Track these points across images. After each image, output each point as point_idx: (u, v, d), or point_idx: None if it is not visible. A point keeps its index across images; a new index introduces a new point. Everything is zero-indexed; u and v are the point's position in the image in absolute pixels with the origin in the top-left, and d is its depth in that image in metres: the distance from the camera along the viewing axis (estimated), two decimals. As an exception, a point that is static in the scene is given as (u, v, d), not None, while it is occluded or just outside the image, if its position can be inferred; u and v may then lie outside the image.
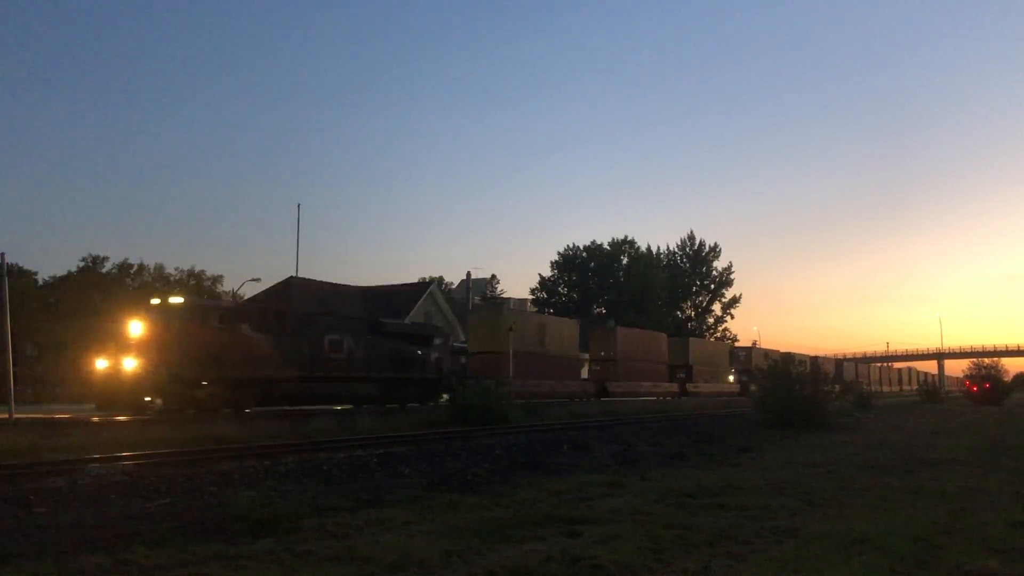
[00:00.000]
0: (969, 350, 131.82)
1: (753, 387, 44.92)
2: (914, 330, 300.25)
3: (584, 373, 46.19)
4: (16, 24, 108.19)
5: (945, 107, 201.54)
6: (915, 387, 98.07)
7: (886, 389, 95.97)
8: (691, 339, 59.61)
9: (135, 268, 62.34)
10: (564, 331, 41.20)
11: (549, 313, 68.83)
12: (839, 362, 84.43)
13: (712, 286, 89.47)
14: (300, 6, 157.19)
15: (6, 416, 17.77)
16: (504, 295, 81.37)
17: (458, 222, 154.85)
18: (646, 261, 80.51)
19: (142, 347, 19.16)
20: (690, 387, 52.02)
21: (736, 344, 79.28)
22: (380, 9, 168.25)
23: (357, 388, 25.57)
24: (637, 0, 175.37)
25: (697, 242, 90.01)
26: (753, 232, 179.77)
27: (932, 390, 64.33)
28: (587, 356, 47.17)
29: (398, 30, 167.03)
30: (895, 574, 6.37)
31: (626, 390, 43.69)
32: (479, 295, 72.62)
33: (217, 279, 62.58)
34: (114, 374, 19.19)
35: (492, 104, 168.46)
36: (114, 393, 19.24)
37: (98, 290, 48.88)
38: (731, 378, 61.33)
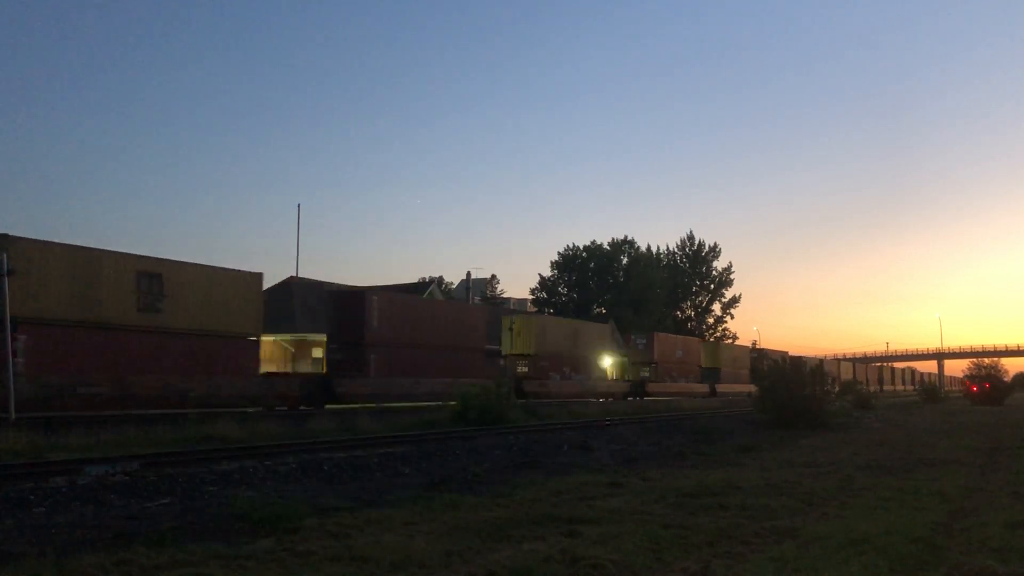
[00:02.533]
0: (969, 350, 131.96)
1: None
2: (914, 330, 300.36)
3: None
4: (17, 24, 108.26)
5: (945, 107, 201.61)
6: (915, 387, 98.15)
7: (886, 389, 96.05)
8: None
9: (135, 268, 62.18)
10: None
11: (549, 313, 68.89)
12: (839, 362, 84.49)
13: (712, 286, 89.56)
14: (300, 6, 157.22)
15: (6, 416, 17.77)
16: (504, 295, 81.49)
17: (458, 222, 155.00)
18: (646, 261, 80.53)
19: None
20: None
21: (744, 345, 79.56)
22: (380, 9, 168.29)
23: None
24: (637, 0, 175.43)
25: (697, 242, 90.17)
26: (753, 232, 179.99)
27: (932, 390, 64.30)
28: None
29: (398, 30, 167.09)
30: (895, 574, 6.37)
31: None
32: (479, 295, 72.65)
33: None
34: None
35: (492, 104, 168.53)
36: None
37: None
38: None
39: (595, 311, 74.79)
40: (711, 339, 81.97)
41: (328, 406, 26.93)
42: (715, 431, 23.28)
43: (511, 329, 41.35)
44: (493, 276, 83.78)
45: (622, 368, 51.59)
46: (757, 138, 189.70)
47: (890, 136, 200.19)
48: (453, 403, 26.03)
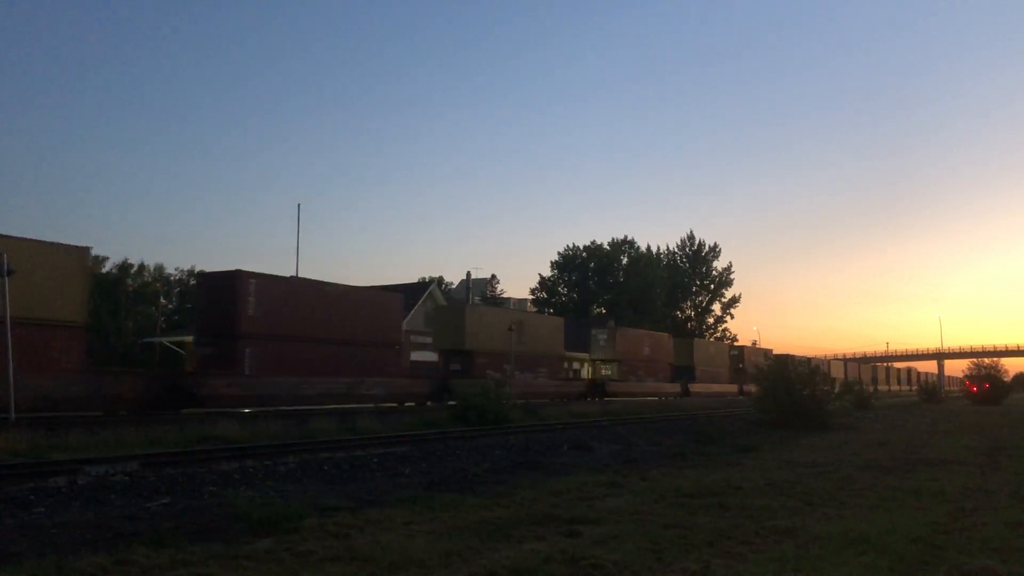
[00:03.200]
0: (969, 350, 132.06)
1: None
2: (914, 330, 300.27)
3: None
4: (17, 24, 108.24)
5: (945, 107, 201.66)
6: (915, 387, 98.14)
7: (886, 389, 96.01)
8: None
9: (135, 268, 62.41)
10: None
11: (549, 313, 68.85)
12: (838, 362, 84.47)
13: (712, 286, 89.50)
14: (301, 6, 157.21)
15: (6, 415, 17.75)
16: (504, 295, 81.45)
17: (458, 222, 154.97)
18: (646, 261, 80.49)
19: None
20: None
21: (735, 344, 79.56)
22: (381, 9, 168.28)
23: None
24: (637, 1, 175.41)
25: (697, 242, 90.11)
26: (753, 232, 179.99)
27: (932, 390, 64.29)
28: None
29: (398, 30, 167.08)
30: (895, 574, 6.37)
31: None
32: (479, 295, 72.64)
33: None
34: None
35: (492, 104, 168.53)
36: None
37: (99, 290, 48.87)
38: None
39: (595, 311, 74.79)
40: (711, 337, 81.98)
41: (189, 410, 22.48)
42: (715, 431, 23.28)
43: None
44: (493, 276, 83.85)
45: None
46: (757, 138, 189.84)
47: (890, 136, 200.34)
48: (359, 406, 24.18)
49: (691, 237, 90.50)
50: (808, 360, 60.50)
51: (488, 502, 9.80)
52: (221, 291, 25.86)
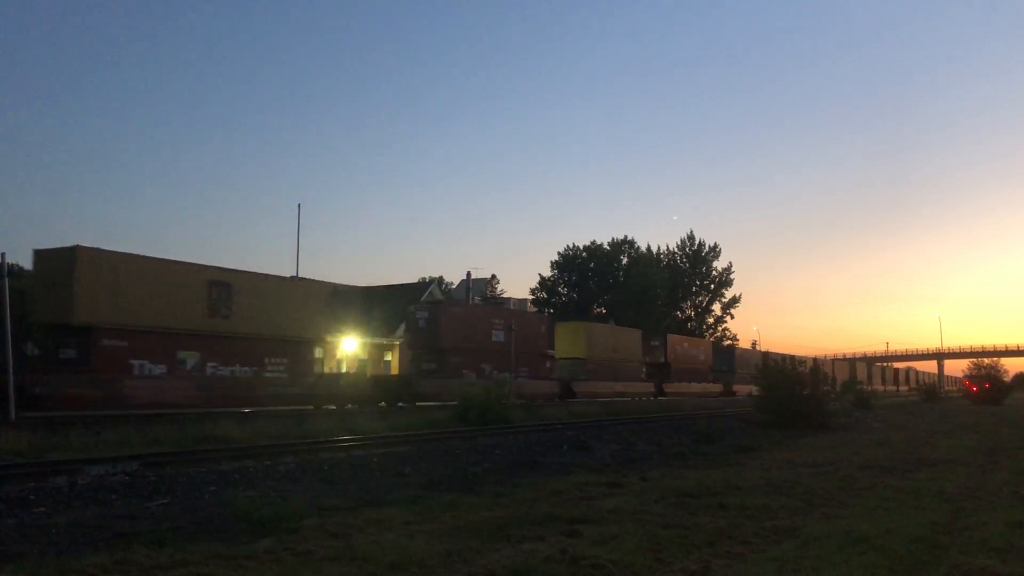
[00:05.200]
0: (969, 350, 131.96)
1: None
2: (914, 330, 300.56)
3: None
4: (17, 24, 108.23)
5: (946, 107, 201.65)
6: (915, 387, 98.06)
7: (886, 389, 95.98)
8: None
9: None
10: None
11: (549, 313, 68.80)
12: (839, 362, 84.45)
13: (712, 286, 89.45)
14: (301, 6, 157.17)
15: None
16: (504, 295, 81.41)
17: (458, 222, 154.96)
18: (646, 261, 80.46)
19: None
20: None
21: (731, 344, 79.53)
22: (381, 9, 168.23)
23: None
24: (637, 1, 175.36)
25: (697, 242, 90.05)
26: (753, 232, 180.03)
27: (932, 390, 64.28)
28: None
29: (398, 30, 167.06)
30: (895, 574, 6.37)
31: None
32: (479, 295, 72.61)
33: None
34: None
35: (492, 104, 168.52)
36: None
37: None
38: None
39: (595, 311, 74.75)
40: (711, 337, 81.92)
41: (29, 414, 18.97)
42: (715, 431, 23.28)
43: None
44: (493, 276, 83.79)
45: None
46: (757, 138, 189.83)
47: (890, 136, 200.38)
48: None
49: (691, 237, 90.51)
50: (789, 357, 58.88)
51: (488, 502, 9.79)
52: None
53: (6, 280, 18.58)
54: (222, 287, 24.56)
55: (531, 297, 79.19)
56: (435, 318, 33.86)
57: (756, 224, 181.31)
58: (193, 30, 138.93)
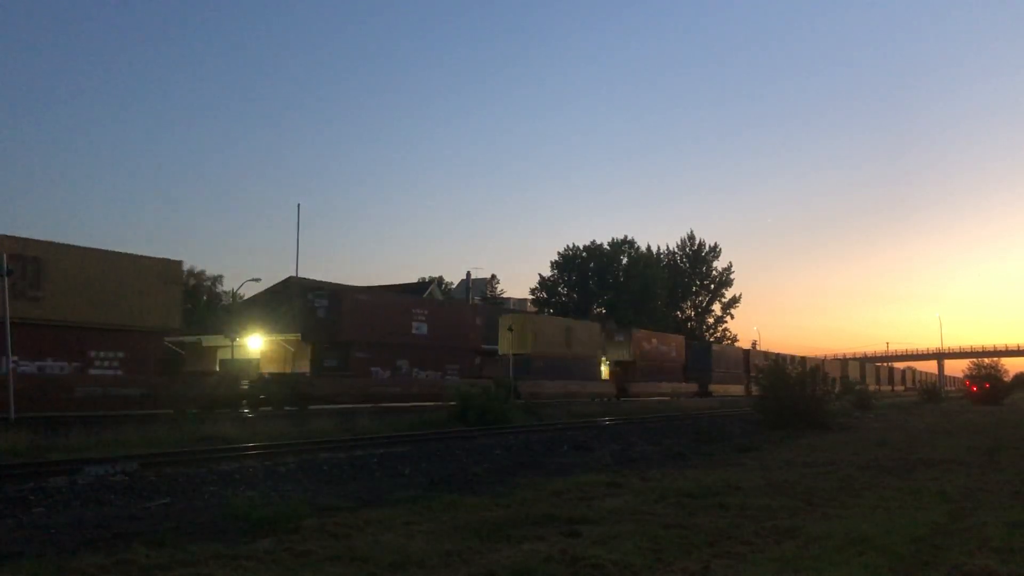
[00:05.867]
0: (969, 350, 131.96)
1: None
2: (914, 330, 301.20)
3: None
4: (20, 24, 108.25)
5: (946, 107, 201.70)
6: (915, 387, 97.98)
7: (886, 389, 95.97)
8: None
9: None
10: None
11: (548, 313, 68.80)
12: (839, 362, 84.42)
13: (712, 286, 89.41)
14: (301, 7, 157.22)
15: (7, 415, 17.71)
16: (504, 295, 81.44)
17: (458, 222, 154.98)
18: (646, 261, 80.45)
19: None
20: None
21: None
22: (380, 10, 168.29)
23: None
24: (637, 2, 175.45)
25: (697, 242, 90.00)
26: (753, 232, 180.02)
27: (932, 390, 64.26)
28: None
29: (398, 30, 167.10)
30: (895, 574, 6.37)
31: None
32: (479, 295, 72.63)
33: (217, 279, 62.51)
34: None
35: (492, 104, 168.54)
36: None
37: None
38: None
39: (595, 311, 74.74)
40: (711, 337, 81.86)
41: None
42: (715, 431, 23.27)
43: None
44: (493, 276, 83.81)
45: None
46: (758, 138, 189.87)
47: (890, 136, 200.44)
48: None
49: (691, 237, 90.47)
50: (787, 357, 57.57)
51: (488, 502, 9.79)
52: None
53: (6, 280, 18.56)
54: (29, 263, 19.85)
55: (531, 297, 79.23)
56: (336, 306, 28.98)
57: (756, 224, 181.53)
58: (193, 31, 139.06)
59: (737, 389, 60.61)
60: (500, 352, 38.08)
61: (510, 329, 37.79)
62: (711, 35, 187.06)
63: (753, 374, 59.56)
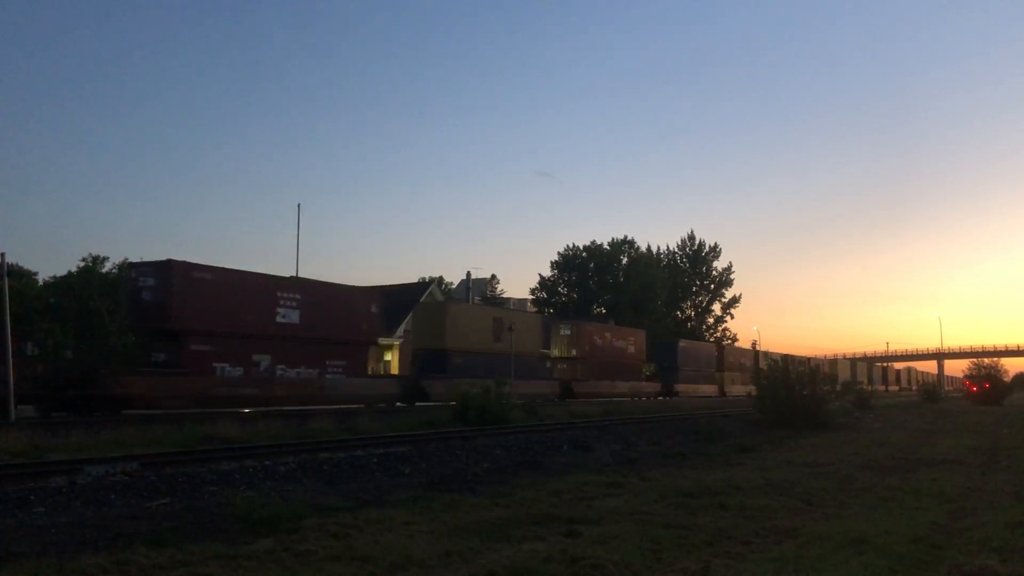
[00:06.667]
0: (969, 350, 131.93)
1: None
2: (914, 330, 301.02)
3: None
4: (18, 24, 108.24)
5: (946, 107, 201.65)
6: (915, 387, 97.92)
7: (886, 389, 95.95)
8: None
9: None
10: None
11: (549, 313, 68.71)
12: (838, 362, 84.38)
13: (712, 286, 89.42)
14: (301, 7, 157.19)
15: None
16: (504, 295, 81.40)
17: (458, 222, 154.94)
18: (646, 261, 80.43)
19: None
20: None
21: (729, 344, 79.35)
22: (380, 10, 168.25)
23: None
24: (637, 2, 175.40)
25: (697, 242, 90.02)
26: (753, 232, 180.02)
27: (932, 390, 64.21)
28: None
29: (399, 31, 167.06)
30: (895, 574, 6.37)
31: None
32: (479, 295, 72.59)
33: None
34: None
35: (493, 104, 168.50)
36: None
37: (100, 289, 48.71)
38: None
39: (595, 311, 74.72)
40: (711, 338, 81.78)
41: None
42: (715, 431, 23.27)
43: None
44: (493, 276, 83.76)
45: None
46: (758, 138, 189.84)
47: (890, 137, 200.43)
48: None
49: (691, 237, 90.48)
50: (676, 344, 53.48)
51: (488, 502, 9.79)
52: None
53: (6, 280, 18.55)
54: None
55: (531, 297, 79.24)
56: (166, 285, 23.03)
57: (756, 224, 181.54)
58: (194, 31, 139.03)
59: (709, 389, 57.19)
60: (415, 347, 33.84)
61: (427, 320, 33.58)
62: (711, 35, 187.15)
63: (724, 371, 59.56)
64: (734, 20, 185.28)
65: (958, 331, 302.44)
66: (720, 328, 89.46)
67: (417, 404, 30.15)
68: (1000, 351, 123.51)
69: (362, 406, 27.20)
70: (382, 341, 40.59)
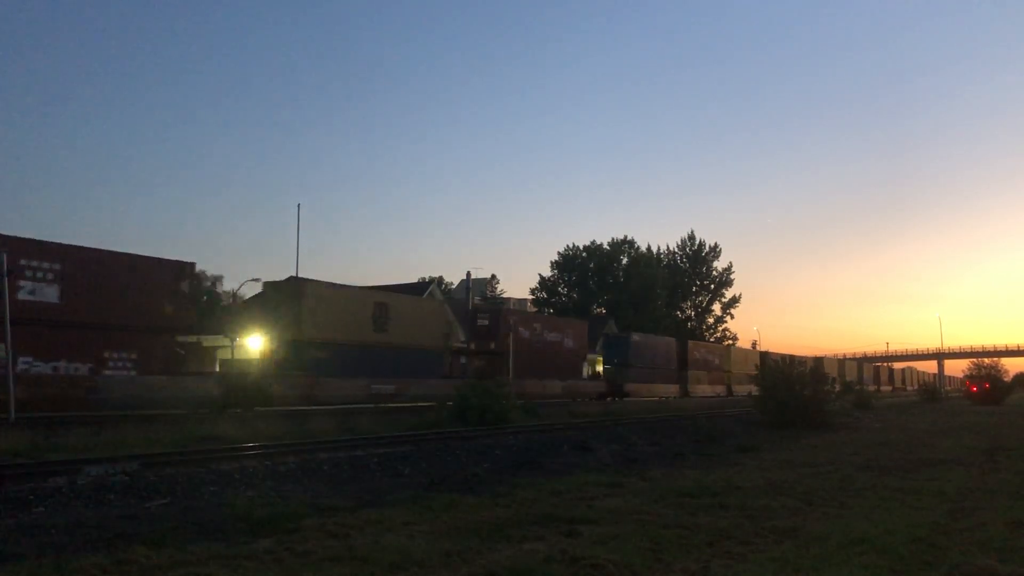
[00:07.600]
0: (969, 350, 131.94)
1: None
2: (914, 330, 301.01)
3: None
4: (18, 25, 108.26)
5: (946, 107, 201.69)
6: (915, 387, 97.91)
7: (886, 389, 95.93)
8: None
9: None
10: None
11: (548, 313, 68.71)
12: (838, 362, 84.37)
13: (712, 286, 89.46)
14: (301, 7, 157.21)
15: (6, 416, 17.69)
16: (504, 295, 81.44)
17: (458, 222, 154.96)
18: (646, 261, 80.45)
19: None
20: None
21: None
22: (381, 10, 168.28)
23: None
24: (637, 1, 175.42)
25: (697, 242, 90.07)
26: (753, 232, 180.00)
27: (932, 390, 64.21)
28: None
29: (399, 31, 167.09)
30: (895, 574, 6.37)
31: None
32: (479, 295, 72.58)
33: (217, 279, 62.45)
34: None
35: (492, 104, 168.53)
36: None
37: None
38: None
39: (595, 311, 74.73)
40: (711, 338, 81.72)
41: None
42: (715, 431, 23.27)
43: None
44: (493, 276, 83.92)
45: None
46: (758, 138, 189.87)
47: (891, 137, 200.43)
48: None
49: (691, 237, 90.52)
50: (630, 336, 46.79)
51: (488, 502, 9.79)
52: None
53: (6, 280, 18.51)
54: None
55: (531, 297, 79.25)
56: None
57: (756, 224, 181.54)
58: (194, 31, 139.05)
59: (669, 390, 49.82)
60: (269, 338, 27.17)
61: (279, 304, 26.39)
62: (711, 35, 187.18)
63: (688, 369, 52.36)
64: (734, 20, 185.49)
65: (958, 331, 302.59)
66: (720, 328, 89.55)
67: (259, 409, 23.43)
68: (1000, 351, 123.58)
69: (173, 411, 21.21)
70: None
